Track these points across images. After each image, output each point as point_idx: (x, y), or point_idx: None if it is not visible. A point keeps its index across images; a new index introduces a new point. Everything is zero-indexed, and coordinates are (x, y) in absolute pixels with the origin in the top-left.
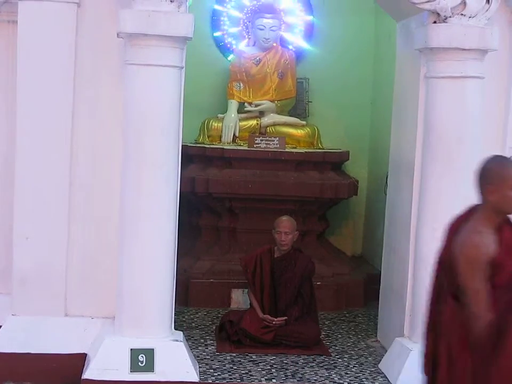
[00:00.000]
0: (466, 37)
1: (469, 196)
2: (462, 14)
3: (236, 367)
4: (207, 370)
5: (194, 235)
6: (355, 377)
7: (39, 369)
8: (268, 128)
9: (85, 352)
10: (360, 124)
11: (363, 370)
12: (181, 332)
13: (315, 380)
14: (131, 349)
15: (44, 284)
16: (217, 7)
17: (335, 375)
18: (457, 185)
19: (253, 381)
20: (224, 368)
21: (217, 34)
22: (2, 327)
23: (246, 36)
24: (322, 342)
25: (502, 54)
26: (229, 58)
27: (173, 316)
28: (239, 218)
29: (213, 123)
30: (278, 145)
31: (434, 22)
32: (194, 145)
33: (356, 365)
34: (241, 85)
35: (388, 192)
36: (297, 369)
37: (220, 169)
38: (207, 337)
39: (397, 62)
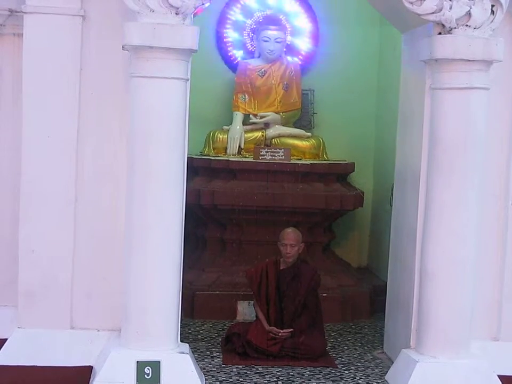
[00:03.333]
0: (471, 48)
1: (474, 207)
2: (467, 25)
3: (242, 379)
4: (213, 383)
5: (199, 247)
6: None
7: (45, 382)
8: (273, 139)
9: (91, 365)
10: (365, 135)
11: (369, 382)
12: (187, 344)
13: None
14: (137, 362)
15: (50, 297)
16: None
17: None
18: (462, 196)
19: None
20: (231, 380)
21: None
22: (8, 339)
23: (250, 46)
24: (329, 353)
25: (507, 64)
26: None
27: (179, 328)
28: (245, 230)
29: (218, 135)
30: (283, 157)
31: (439, 33)
32: (199, 157)
33: (362, 377)
34: (246, 96)
35: (394, 203)
36: (304, 381)
37: (225, 181)
38: (213, 349)
39: (402, 73)
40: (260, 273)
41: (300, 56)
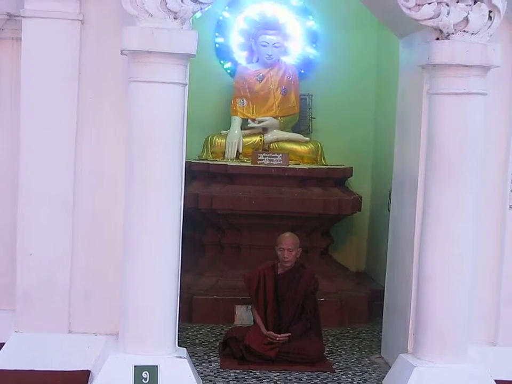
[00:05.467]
0: (469, 53)
1: (472, 211)
2: (464, 31)
3: None
4: None
5: (197, 251)
6: None
7: None
8: (271, 144)
9: (89, 369)
10: (363, 140)
11: None
12: (185, 349)
13: None
14: (135, 366)
15: (47, 301)
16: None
17: None
18: (460, 200)
19: None
20: None
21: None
22: (5, 344)
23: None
24: (326, 358)
25: (505, 70)
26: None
27: (177, 332)
28: (243, 235)
29: (217, 139)
30: (281, 162)
31: (437, 39)
32: (197, 161)
33: (359, 381)
34: (245, 101)
35: (391, 208)
36: None
37: (223, 185)
38: (211, 354)
39: (400, 78)
40: (257, 278)
41: (298, 61)
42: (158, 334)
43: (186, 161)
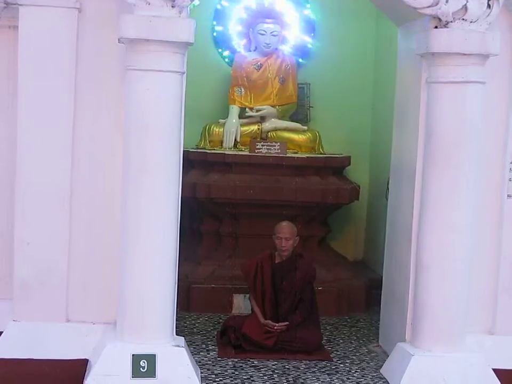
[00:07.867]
0: (468, 42)
1: (470, 200)
2: (463, 19)
3: (237, 373)
4: (209, 376)
5: (195, 240)
6: (357, 383)
7: (40, 375)
8: (269, 133)
9: (87, 358)
10: (361, 129)
11: (365, 375)
12: (183, 338)
13: None
14: (132, 355)
15: (45, 290)
16: (219, 6)
17: (336, 380)
18: (458, 190)
19: None
20: (226, 373)
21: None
22: (3, 333)
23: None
24: (324, 347)
25: (504, 58)
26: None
27: (175, 321)
28: (240, 224)
29: (214, 128)
30: (279, 151)
31: (436, 27)
32: (195, 150)
33: (357, 370)
34: (243, 90)
35: (389, 197)
36: (299, 375)
37: (221, 174)
38: (209, 343)
39: (398, 66)
40: (255, 267)
41: (295, 50)
42: (156, 323)
43: (184, 150)
